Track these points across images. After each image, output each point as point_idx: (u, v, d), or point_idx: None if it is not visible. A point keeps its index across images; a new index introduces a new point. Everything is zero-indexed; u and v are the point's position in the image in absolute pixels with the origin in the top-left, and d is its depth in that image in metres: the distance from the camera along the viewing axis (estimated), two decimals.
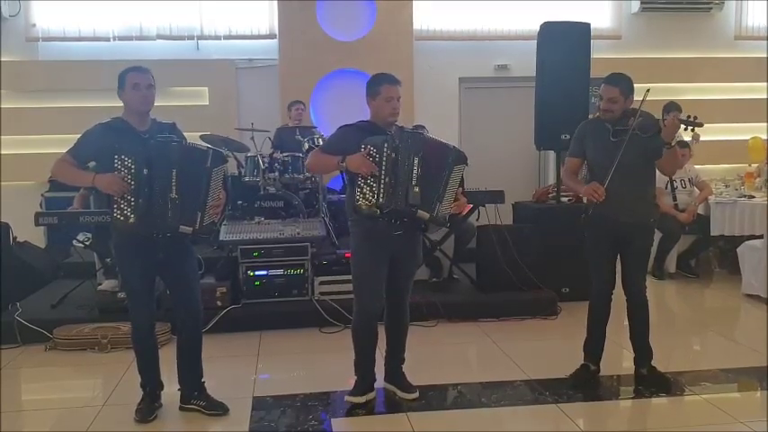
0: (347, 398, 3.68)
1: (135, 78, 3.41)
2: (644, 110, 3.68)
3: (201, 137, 5.98)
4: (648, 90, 3.63)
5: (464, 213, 4.56)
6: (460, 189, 3.59)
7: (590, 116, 5.51)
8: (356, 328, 3.69)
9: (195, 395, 3.69)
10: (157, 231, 3.36)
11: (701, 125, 3.56)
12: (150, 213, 3.30)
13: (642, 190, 3.81)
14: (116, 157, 3.28)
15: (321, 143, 6.13)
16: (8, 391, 4.11)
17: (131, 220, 3.28)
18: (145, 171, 3.28)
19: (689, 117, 3.57)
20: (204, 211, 3.39)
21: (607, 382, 4.03)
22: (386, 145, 3.39)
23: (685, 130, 3.60)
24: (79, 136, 3.45)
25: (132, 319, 3.60)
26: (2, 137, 7.71)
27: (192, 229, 3.36)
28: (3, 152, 7.75)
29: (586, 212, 3.95)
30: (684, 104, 6.78)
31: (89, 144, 3.41)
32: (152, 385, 3.64)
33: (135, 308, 3.56)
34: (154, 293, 3.64)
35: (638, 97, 3.71)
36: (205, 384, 3.72)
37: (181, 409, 3.68)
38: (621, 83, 3.73)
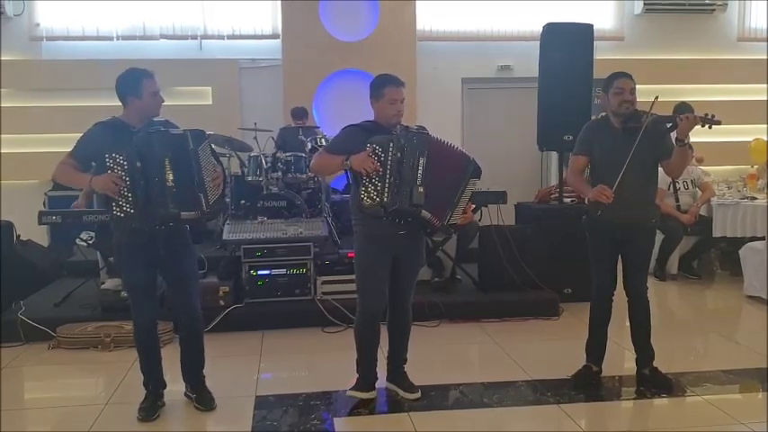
0: (349, 392, 3.69)
1: (154, 86, 3.44)
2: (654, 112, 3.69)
3: None
4: (657, 97, 3.64)
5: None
6: (473, 206, 3.63)
7: (593, 117, 5.53)
8: (359, 327, 3.71)
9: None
10: (159, 223, 3.37)
11: (718, 123, 3.52)
12: (149, 205, 3.31)
13: (646, 191, 3.82)
14: (107, 156, 3.29)
15: (324, 143, 6.14)
16: (11, 389, 4.12)
17: (131, 215, 3.30)
18: (138, 164, 3.29)
19: (706, 115, 3.55)
20: (206, 192, 3.39)
21: (609, 383, 4.03)
22: (391, 144, 3.41)
23: (702, 126, 3.59)
24: (79, 136, 3.47)
25: (134, 318, 3.61)
26: (6, 136, 7.73)
27: (196, 213, 3.38)
28: (7, 151, 7.77)
29: (588, 214, 3.96)
30: None
31: (87, 145, 3.42)
32: (155, 384, 3.66)
33: (137, 306, 3.57)
34: (156, 292, 3.66)
35: (650, 98, 3.71)
36: (205, 380, 3.75)
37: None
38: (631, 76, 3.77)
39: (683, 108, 6.61)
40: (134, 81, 3.41)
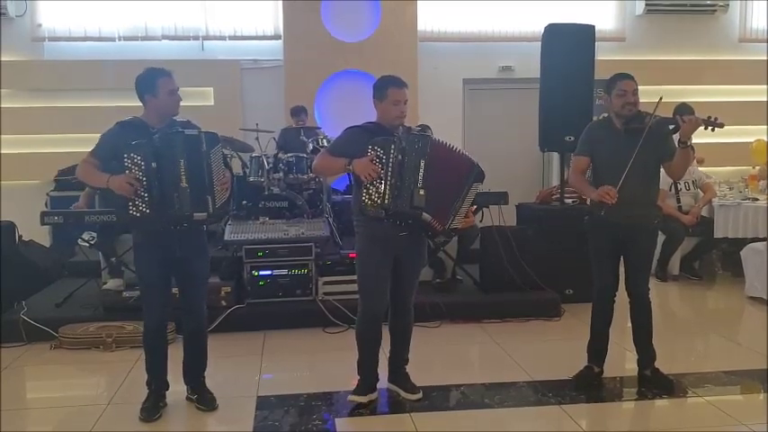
0: (350, 397, 3.69)
1: (170, 84, 3.46)
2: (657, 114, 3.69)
3: None
4: (661, 98, 3.64)
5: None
6: (474, 207, 3.63)
7: (594, 118, 5.53)
8: (360, 328, 3.71)
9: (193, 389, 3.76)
10: (174, 223, 3.40)
11: (721, 126, 3.53)
12: (164, 205, 3.35)
13: (647, 192, 3.81)
14: (125, 155, 3.33)
15: (325, 144, 6.15)
16: (13, 389, 4.13)
17: (147, 215, 3.33)
18: (153, 164, 3.33)
19: (709, 117, 3.55)
20: (214, 194, 3.43)
21: (610, 384, 4.03)
22: (393, 146, 3.41)
23: (705, 129, 3.59)
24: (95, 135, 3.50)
25: (145, 318, 3.62)
26: (9, 136, 7.75)
27: (206, 214, 3.41)
28: (10, 151, 7.78)
29: (590, 215, 3.96)
30: None
31: (107, 144, 3.46)
32: (158, 384, 3.66)
33: (149, 306, 3.58)
34: (169, 292, 3.66)
35: (651, 99, 3.70)
36: (205, 380, 3.77)
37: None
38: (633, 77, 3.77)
39: (683, 109, 6.61)
40: (151, 80, 3.44)
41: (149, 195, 3.33)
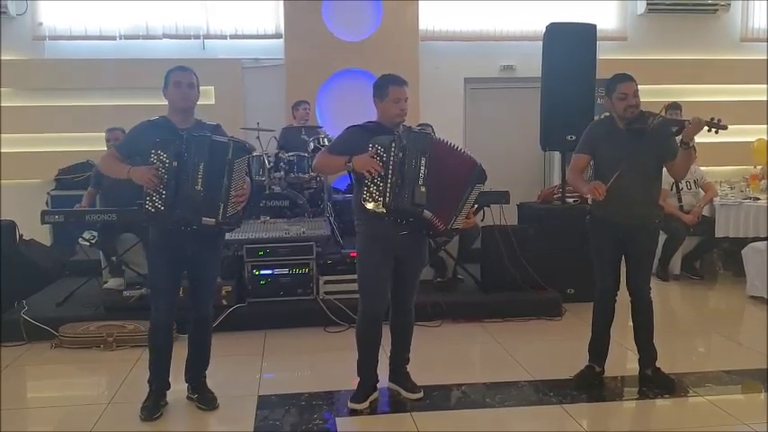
0: (350, 404, 3.68)
1: (177, 77, 3.51)
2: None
3: None
4: (663, 108, 3.65)
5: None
6: (475, 206, 3.64)
7: (595, 117, 5.53)
8: (360, 328, 3.71)
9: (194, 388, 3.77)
10: (184, 224, 3.42)
11: (725, 128, 3.55)
12: (176, 205, 3.37)
13: (649, 191, 3.81)
14: (152, 151, 3.37)
15: (326, 143, 6.15)
16: (13, 388, 4.13)
17: (161, 212, 3.36)
18: (175, 163, 3.36)
19: (713, 119, 3.57)
20: (227, 203, 3.45)
21: (611, 383, 4.03)
22: (393, 144, 3.41)
23: (709, 131, 3.60)
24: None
25: (152, 316, 3.62)
26: (10, 135, 7.73)
27: (214, 220, 3.41)
28: (10, 150, 7.77)
29: (591, 214, 3.96)
30: (689, 106, 6.77)
31: (131, 140, 3.56)
32: (159, 383, 3.66)
33: (157, 305, 3.59)
34: (178, 292, 3.67)
35: (652, 99, 3.70)
36: (206, 380, 3.78)
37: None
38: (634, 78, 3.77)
39: (670, 107, 6.63)
40: (166, 75, 3.53)
41: (166, 193, 3.36)
